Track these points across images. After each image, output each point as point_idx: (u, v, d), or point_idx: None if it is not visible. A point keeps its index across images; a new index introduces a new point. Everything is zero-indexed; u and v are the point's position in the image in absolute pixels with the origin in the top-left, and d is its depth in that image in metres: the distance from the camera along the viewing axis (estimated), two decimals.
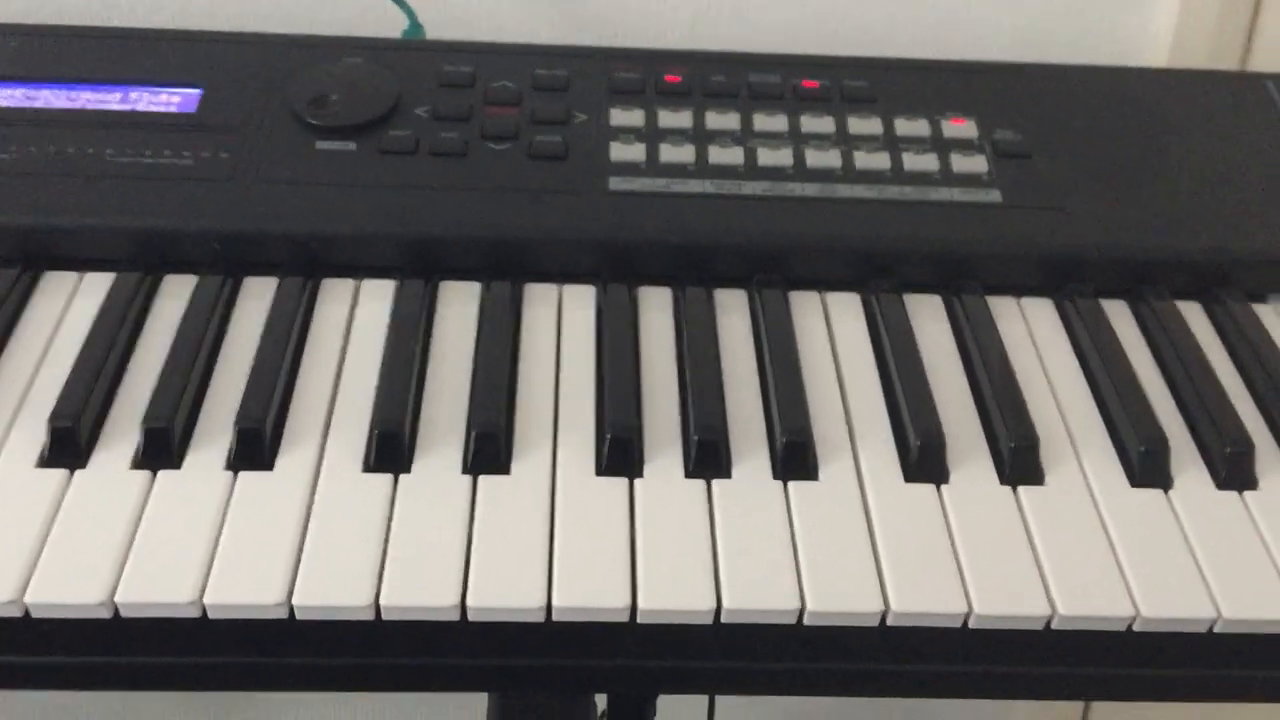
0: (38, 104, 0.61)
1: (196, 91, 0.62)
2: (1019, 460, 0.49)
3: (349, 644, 0.44)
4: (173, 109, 0.61)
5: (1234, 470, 0.50)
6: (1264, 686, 0.46)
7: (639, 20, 0.79)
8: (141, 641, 0.43)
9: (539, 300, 0.56)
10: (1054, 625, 0.45)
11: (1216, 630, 0.45)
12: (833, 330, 0.56)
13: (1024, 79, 0.67)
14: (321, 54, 0.64)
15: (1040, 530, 0.47)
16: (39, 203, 0.56)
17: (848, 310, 0.57)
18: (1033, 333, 0.57)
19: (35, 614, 0.42)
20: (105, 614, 0.42)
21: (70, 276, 0.56)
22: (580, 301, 0.56)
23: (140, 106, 0.61)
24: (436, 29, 0.75)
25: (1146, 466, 0.49)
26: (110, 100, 0.61)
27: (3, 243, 0.56)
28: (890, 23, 0.80)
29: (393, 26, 0.74)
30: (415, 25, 0.74)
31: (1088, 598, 0.45)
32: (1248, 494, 0.49)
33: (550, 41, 0.77)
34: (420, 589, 0.43)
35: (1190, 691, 0.47)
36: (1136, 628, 0.45)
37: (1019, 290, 0.59)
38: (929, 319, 0.57)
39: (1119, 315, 0.58)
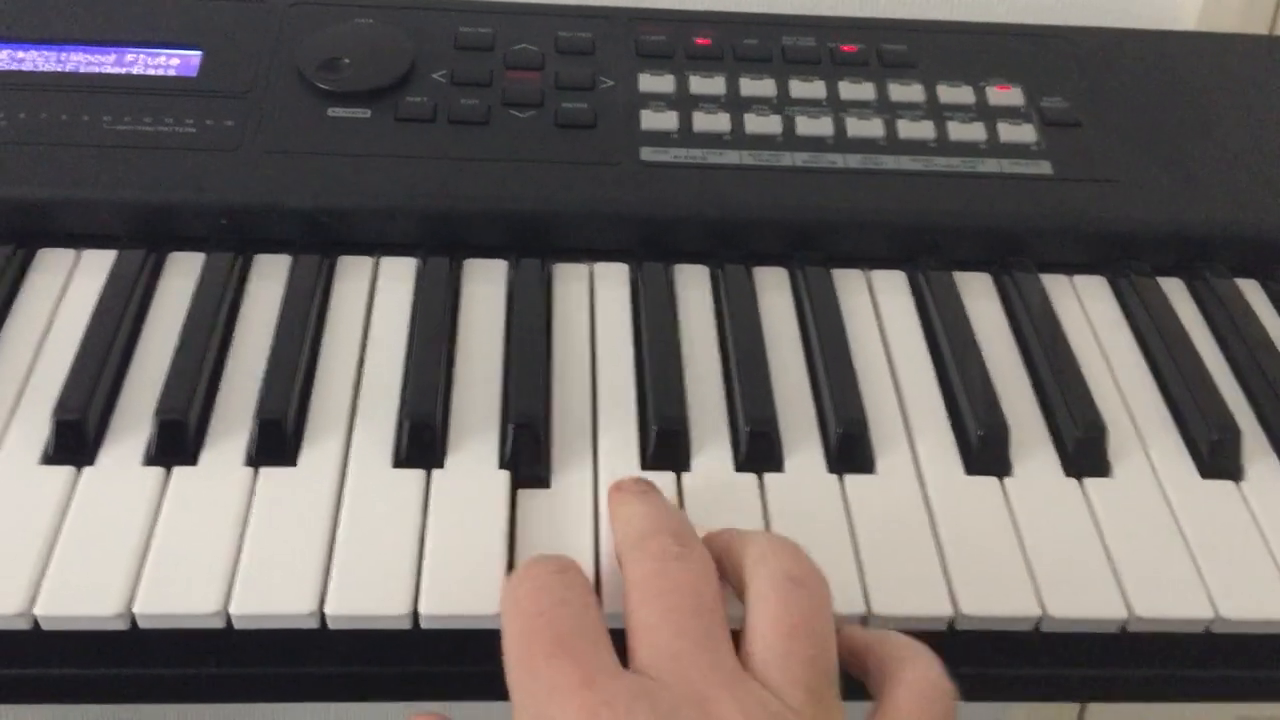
0: (25, 66, 0.57)
1: (197, 53, 0.58)
2: (1085, 451, 0.47)
3: (383, 653, 0.41)
4: (172, 72, 0.57)
5: None
6: None
7: None
8: (159, 653, 0.41)
9: (570, 278, 0.53)
10: (1129, 628, 0.42)
11: None
12: (880, 310, 0.53)
13: (1066, 42, 0.64)
14: (329, 14, 0.60)
15: (1110, 526, 0.44)
16: (32, 174, 0.52)
17: (894, 288, 0.54)
18: (1088, 312, 0.54)
19: (46, 627, 0.39)
20: (122, 625, 0.39)
21: (67, 254, 0.52)
22: (613, 279, 0.53)
23: (136, 70, 0.57)
24: None
25: (1218, 456, 0.47)
26: (104, 62, 0.57)
27: None
28: None
29: None
30: None
31: (1164, 599, 0.42)
32: None
33: None
34: (461, 597, 0.40)
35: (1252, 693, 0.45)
36: (1215, 630, 0.42)
37: (1070, 267, 0.56)
38: (980, 297, 0.54)
39: (1175, 293, 0.55)
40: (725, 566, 0.38)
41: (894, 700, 0.35)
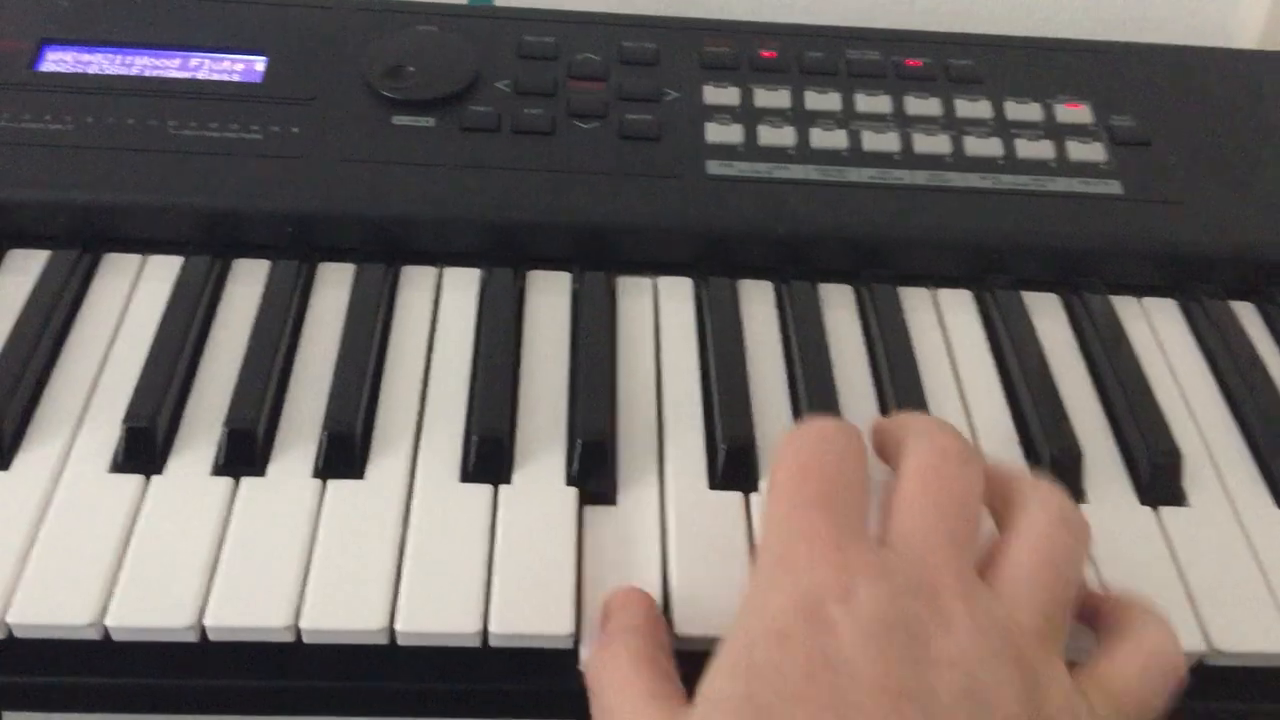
0: (90, 69, 0.57)
1: (262, 58, 0.58)
2: (1161, 479, 0.46)
3: (451, 670, 0.41)
4: (236, 78, 0.57)
5: None
6: None
7: None
8: (229, 664, 0.40)
9: (634, 292, 0.53)
10: (1208, 662, 0.42)
11: None
12: (946, 329, 0.53)
13: (1134, 59, 0.63)
14: (391, 20, 0.60)
15: (1187, 557, 0.44)
16: (99, 179, 0.52)
17: (961, 307, 0.53)
18: (1158, 335, 0.53)
19: (117, 638, 0.39)
20: (192, 638, 0.39)
21: (133, 259, 0.52)
22: (678, 293, 0.53)
23: (201, 74, 0.57)
24: None
25: None
26: (169, 66, 0.57)
27: (61, 221, 0.52)
28: None
29: None
30: None
31: (1244, 632, 0.42)
32: None
33: (613, 3, 0.73)
34: (530, 616, 0.40)
35: None
36: None
37: (1140, 289, 0.55)
38: (1047, 317, 0.53)
39: (1246, 317, 0.54)
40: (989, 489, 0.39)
41: (1124, 656, 0.35)
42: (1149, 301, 0.55)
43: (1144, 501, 0.46)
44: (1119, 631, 0.36)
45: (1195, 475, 0.47)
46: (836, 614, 0.32)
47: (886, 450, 0.41)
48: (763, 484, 0.45)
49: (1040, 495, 0.37)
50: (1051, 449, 0.46)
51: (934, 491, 0.36)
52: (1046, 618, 0.35)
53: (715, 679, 0.33)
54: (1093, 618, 0.38)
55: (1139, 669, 0.35)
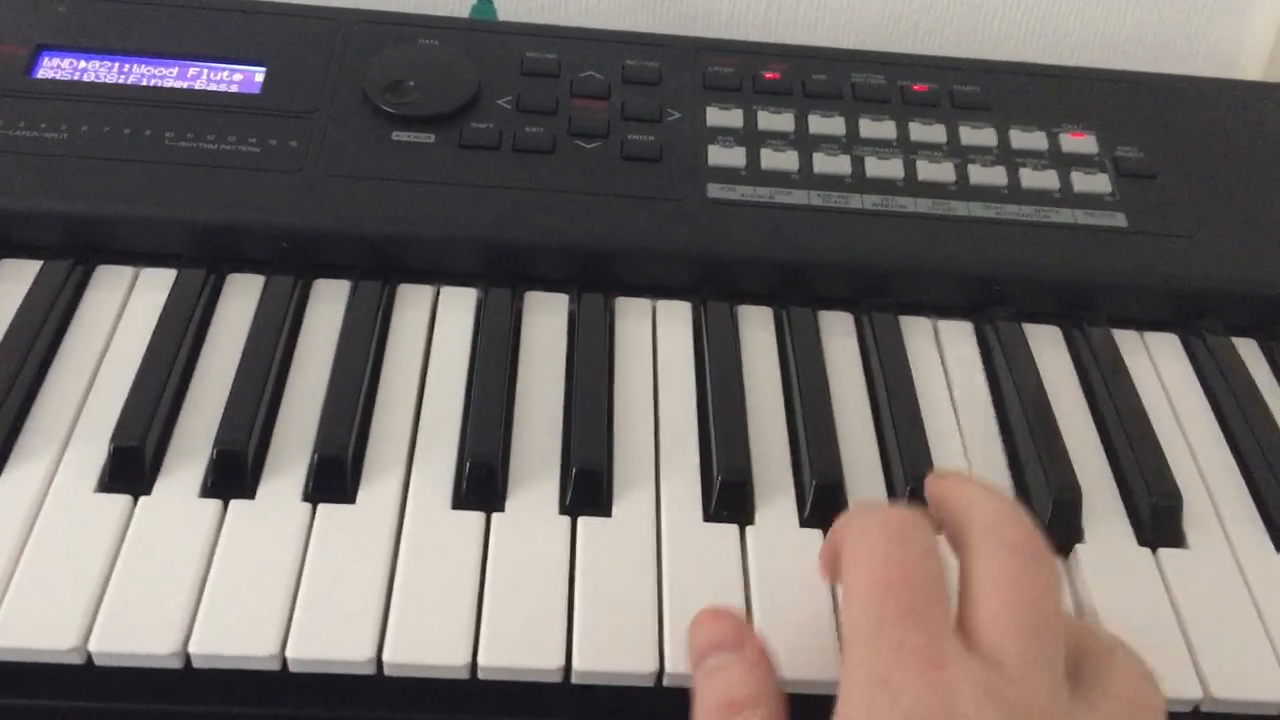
0: (87, 77, 0.56)
1: (260, 69, 0.57)
2: (1161, 520, 0.45)
3: (440, 700, 0.40)
4: (234, 88, 0.56)
5: None
6: None
7: (709, 2, 0.74)
8: (214, 690, 0.40)
9: (632, 314, 0.52)
10: (1202, 708, 0.41)
11: None
12: (946, 361, 0.52)
13: (1140, 88, 0.62)
14: (392, 32, 0.60)
15: (1185, 601, 0.43)
16: (93, 189, 0.51)
17: (962, 339, 0.53)
18: (1159, 370, 0.53)
19: (100, 663, 0.38)
20: (177, 664, 0.39)
21: (126, 271, 0.51)
22: (676, 317, 0.52)
23: (199, 84, 0.57)
24: (507, 8, 0.70)
25: None
26: (166, 76, 0.57)
27: (54, 231, 0.51)
28: (973, 19, 0.76)
29: (461, 2, 0.69)
30: (485, 1, 0.69)
31: (1242, 680, 0.41)
32: None
33: (613, 19, 0.72)
34: (520, 649, 0.39)
35: None
36: None
37: (1142, 323, 0.55)
38: (1048, 350, 0.53)
39: (1249, 354, 0.54)
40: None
41: (1107, 683, 0.34)
42: (1151, 336, 0.54)
43: (1143, 543, 0.45)
44: (1087, 668, 0.35)
45: (1195, 516, 0.46)
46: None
47: (945, 525, 0.38)
48: (759, 515, 0.44)
49: (1120, 658, 0.35)
50: (1050, 488, 0.45)
51: (1024, 609, 0.33)
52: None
53: None
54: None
55: (1134, 695, 0.34)
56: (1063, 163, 0.57)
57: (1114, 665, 0.35)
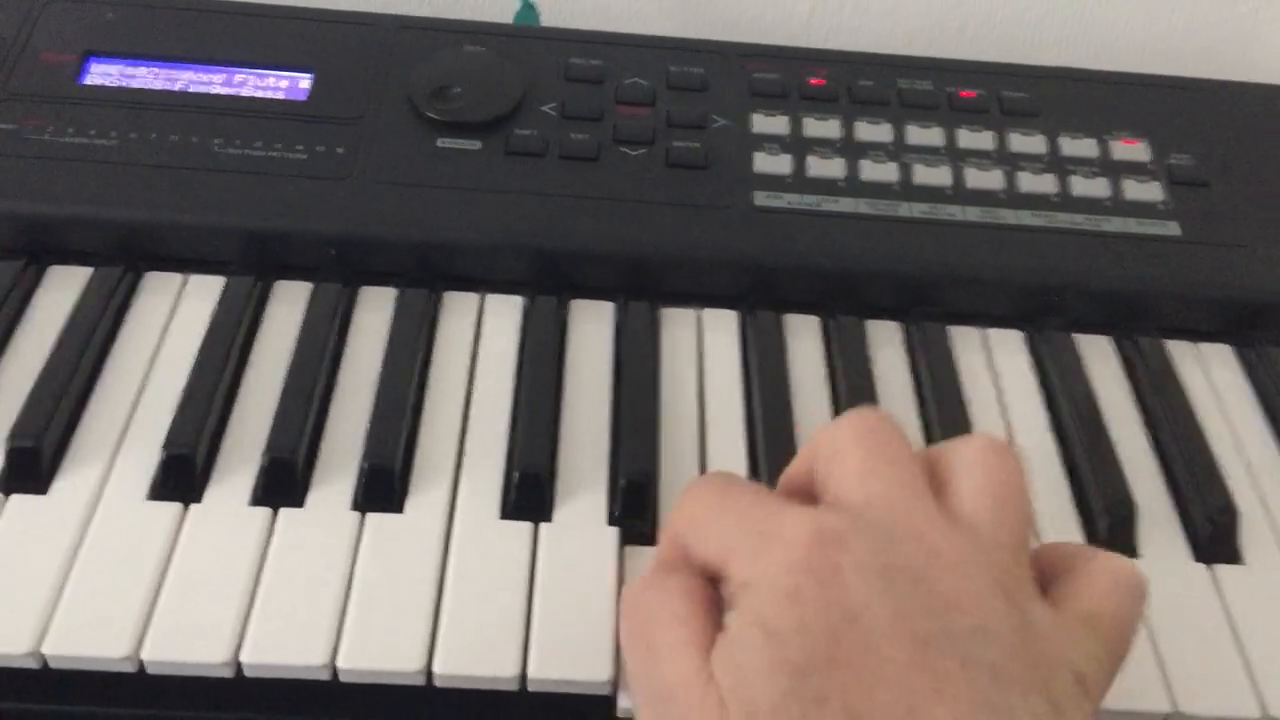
0: (135, 84, 0.57)
1: (307, 75, 0.57)
2: (1217, 536, 0.45)
3: (485, 709, 0.40)
4: (281, 95, 0.57)
5: None
6: None
7: (752, 7, 0.74)
8: (263, 699, 0.40)
9: (678, 323, 0.52)
10: None
11: None
12: (997, 372, 0.51)
13: (1193, 95, 0.61)
14: (437, 39, 0.60)
15: (1243, 618, 0.43)
16: (142, 195, 0.51)
17: (1012, 349, 0.52)
18: (1213, 382, 0.52)
19: (151, 670, 0.39)
20: (227, 674, 0.39)
21: (175, 278, 0.51)
22: (722, 326, 0.52)
23: (245, 91, 0.57)
24: (549, 13, 0.70)
25: None
26: (214, 82, 0.57)
27: (103, 238, 0.51)
28: (1017, 23, 0.75)
29: (503, 7, 0.69)
30: (528, 7, 0.69)
31: None
32: None
33: (655, 24, 0.72)
34: (569, 660, 0.39)
35: None
36: None
37: (1196, 334, 0.54)
38: (1100, 361, 0.52)
39: None
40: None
41: (1087, 577, 0.34)
42: (1205, 347, 0.53)
43: (1198, 559, 0.45)
44: (1069, 568, 0.35)
45: (1251, 531, 0.46)
46: (843, 563, 0.31)
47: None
48: None
49: (964, 439, 0.36)
50: (1105, 501, 0.45)
51: (874, 450, 0.34)
52: (1015, 546, 0.33)
53: (735, 652, 0.31)
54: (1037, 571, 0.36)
55: (1106, 587, 0.34)
56: (1114, 170, 0.57)
57: (1090, 571, 0.35)
